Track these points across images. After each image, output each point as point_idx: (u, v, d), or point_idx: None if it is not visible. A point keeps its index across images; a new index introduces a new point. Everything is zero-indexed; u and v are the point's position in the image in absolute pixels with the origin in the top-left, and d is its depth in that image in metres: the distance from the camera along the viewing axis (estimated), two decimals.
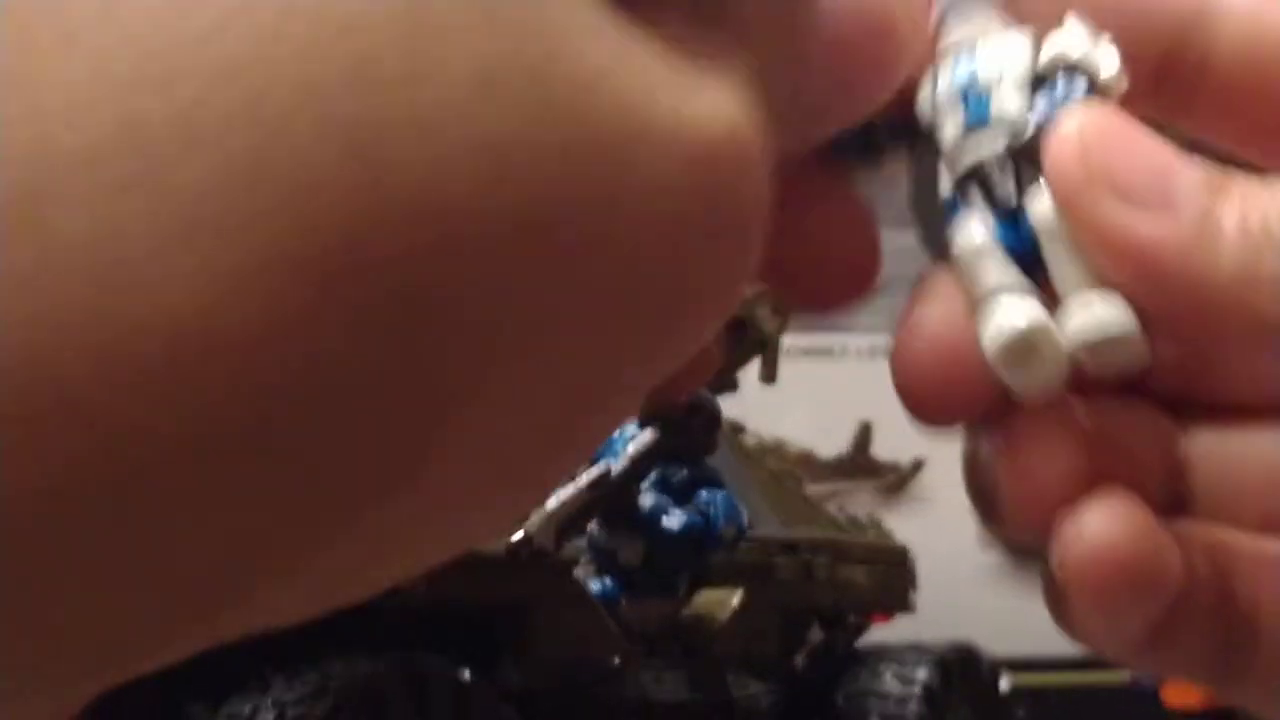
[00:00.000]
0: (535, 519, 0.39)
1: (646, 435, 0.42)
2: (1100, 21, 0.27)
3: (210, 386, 0.16)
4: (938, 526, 0.79)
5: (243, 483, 0.16)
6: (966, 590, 0.67)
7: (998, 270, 0.27)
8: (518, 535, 0.39)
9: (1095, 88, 0.29)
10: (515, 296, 0.18)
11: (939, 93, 0.29)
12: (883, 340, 0.84)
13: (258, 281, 0.16)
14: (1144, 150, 0.26)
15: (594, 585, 0.42)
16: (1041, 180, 0.28)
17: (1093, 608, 0.27)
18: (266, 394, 0.16)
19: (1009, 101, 0.28)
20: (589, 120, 0.19)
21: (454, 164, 0.17)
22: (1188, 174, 0.25)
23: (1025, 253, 0.28)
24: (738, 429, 0.57)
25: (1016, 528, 0.29)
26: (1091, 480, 0.27)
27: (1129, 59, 0.28)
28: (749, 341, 0.55)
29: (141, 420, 0.16)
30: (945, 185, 0.30)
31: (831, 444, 0.77)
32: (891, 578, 0.49)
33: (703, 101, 0.21)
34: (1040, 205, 0.27)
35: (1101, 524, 0.27)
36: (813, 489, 0.57)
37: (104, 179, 0.16)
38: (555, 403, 0.21)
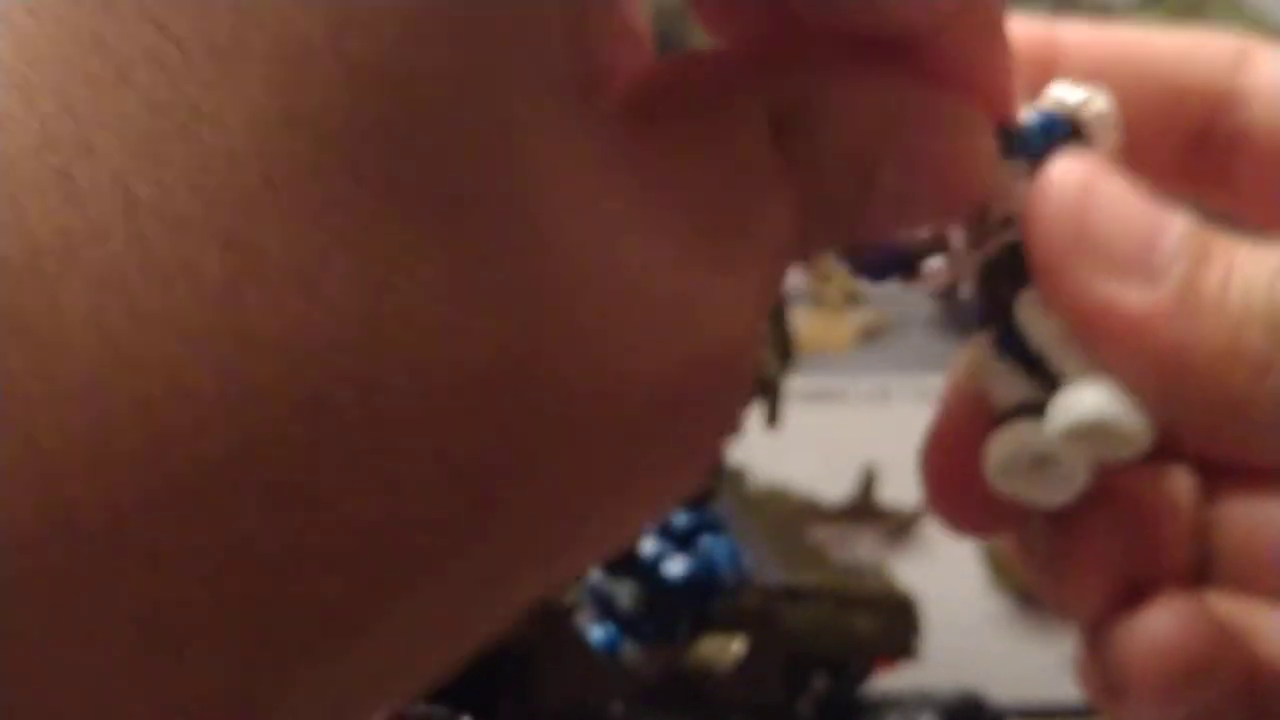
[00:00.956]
0: None
1: None
2: (1128, 100, 0.29)
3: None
4: (942, 571, 0.79)
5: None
6: (972, 636, 0.66)
7: (1000, 387, 0.28)
8: None
9: (1082, 134, 0.29)
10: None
11: None
12: (887, 384, 0.84)
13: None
14: (1125, 211, 0.27)
15: (595, 632, 0.41)
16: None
17: (1154, 704, 0.28)
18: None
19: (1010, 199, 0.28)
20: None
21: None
22: (1171, 236, 0.27)
23: (1028, 353, 0.28)
24: (740, 474, 0.56)
25: (1070, 615, 0.29)
26: (1131, 564, 0.28)
27: (1161, 138, 0.29)
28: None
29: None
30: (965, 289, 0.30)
31: (835, 489, 0.76)
32: (896, 624, 0.49)
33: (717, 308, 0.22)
34: (1025, 303, 0.27)
35: (1167, 628, 0.28)
36: (816, 534, 0.57)
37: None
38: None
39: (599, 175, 0.21)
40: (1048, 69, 0.29)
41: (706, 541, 0.41)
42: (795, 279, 0.86)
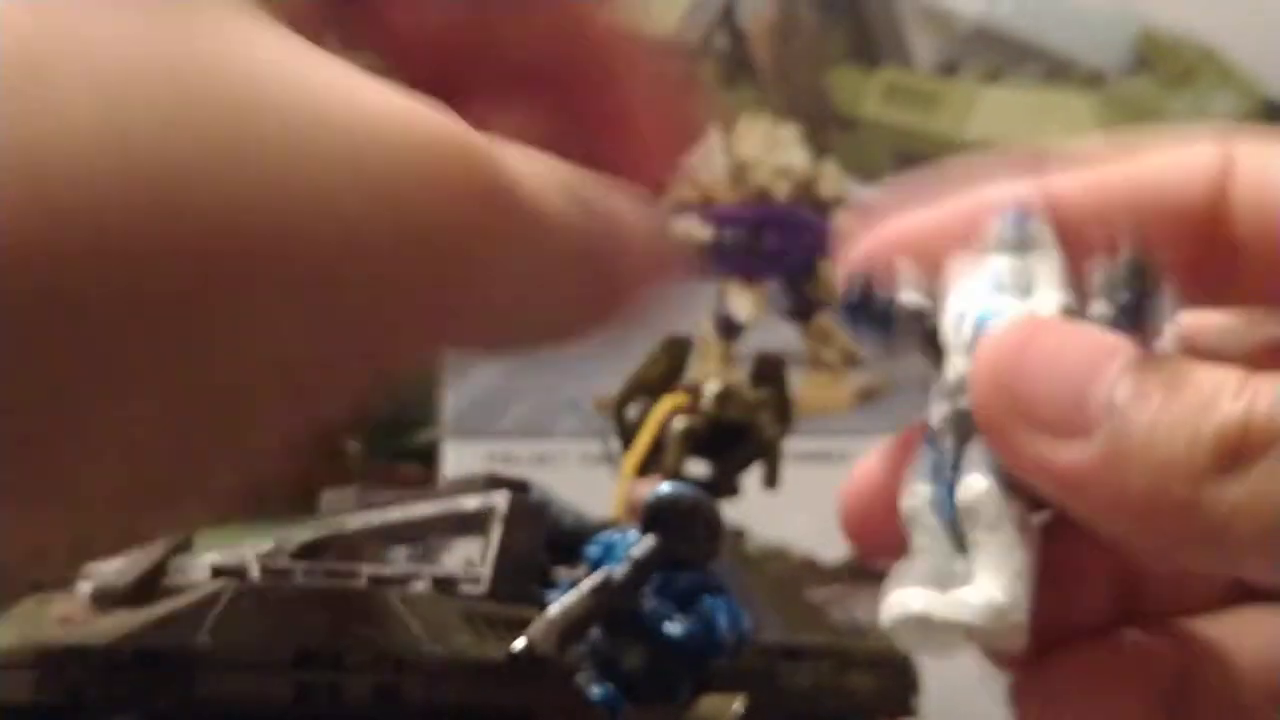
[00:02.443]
0: (538, 626, 0.38)
1: (649, 542, 0.41)
2: (1089, 218, 0.30)
3: None
4: None
5: None
6: (968, 695, 0.65)
7: (920, 538, 0.30)
8: (520, 642, 0.38)
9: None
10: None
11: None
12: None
13: None
14: (1057, 371, 0.29)
15: (596, 692, 0.41)
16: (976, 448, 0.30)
17: None
18: None
19: (960, 364, 0.30)
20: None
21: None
22: (1103, 388, 0.28)
23: (955, 522, 0.29)
24: (740, 534, 0.56)
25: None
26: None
27: (1169, 256, 0.30)
28: (751, 447, 0.54)
29: None
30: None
31: (834, 549, 0.76)
32: (895, 683, 0.48)
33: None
34: (964, 484, 0.29)
35: None
36: (816, 594, 0.57)
37: None
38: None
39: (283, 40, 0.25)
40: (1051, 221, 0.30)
41: (707, 602, 0.40)
42: (795, 341, 0.86)
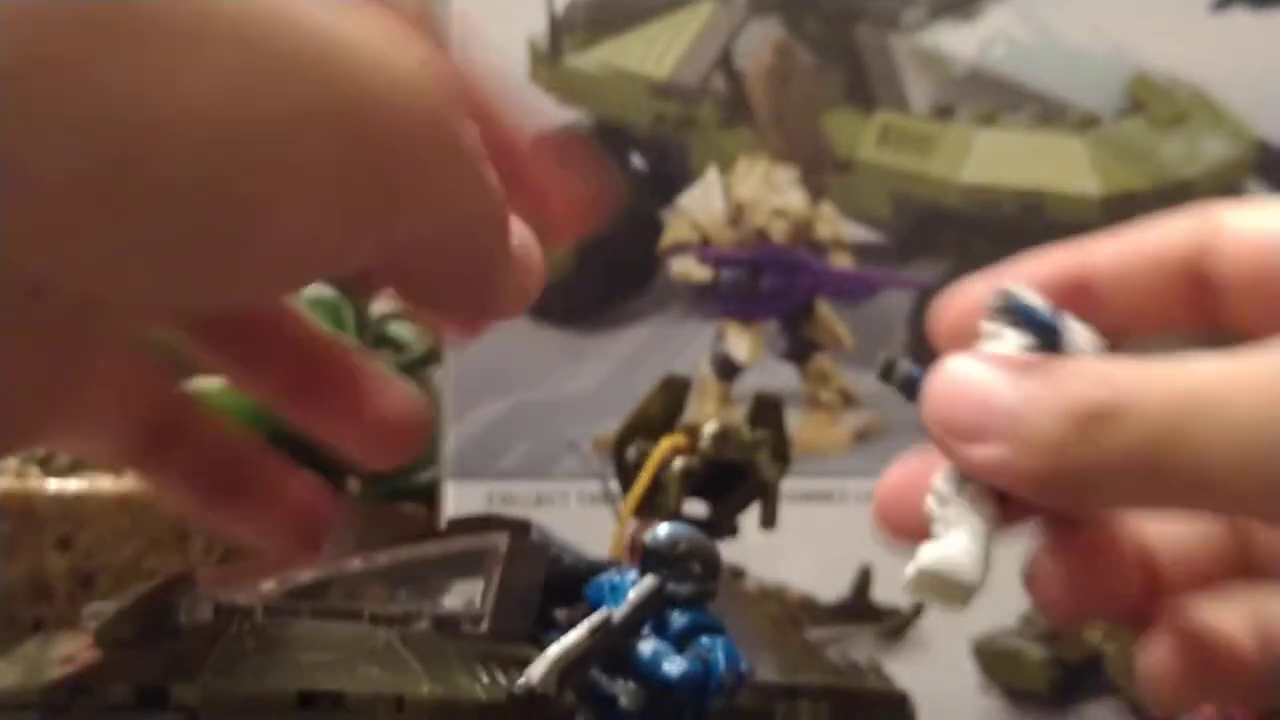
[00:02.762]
0: (538, 665, 0.38)
1: (648, 582, 0.41)
2: (1115, 279, 0.43)
3: None
4: (938, 671, 0.78)
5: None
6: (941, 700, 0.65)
7: (936, 526, 0.41)
8: (521, 683, 0.38)
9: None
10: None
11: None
12: None
13: None
14: (966, 395, 0.40)
15: None
16: None
17: None
18: None
19: None
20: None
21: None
22: (999, 401, 0.39)
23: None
24: (738, 573, 0.56)
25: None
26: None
27: (1177, 300, 0.43)
28: (749, 487, 0.54)
29: None
30: None
31: (832, 588, 0.76)
32: None
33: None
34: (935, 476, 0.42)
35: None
36: (813, 633, 0.57)
37: None
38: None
39: None
40: (1085, 286, 0.42)
41: (705, 642, 0.41)
42: (793, 382, 0.86)
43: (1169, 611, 0.43)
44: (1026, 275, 0.43)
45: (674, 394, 0.53)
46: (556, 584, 0.45)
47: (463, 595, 0.41)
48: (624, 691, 0.41)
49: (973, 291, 0.43)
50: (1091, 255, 0.42)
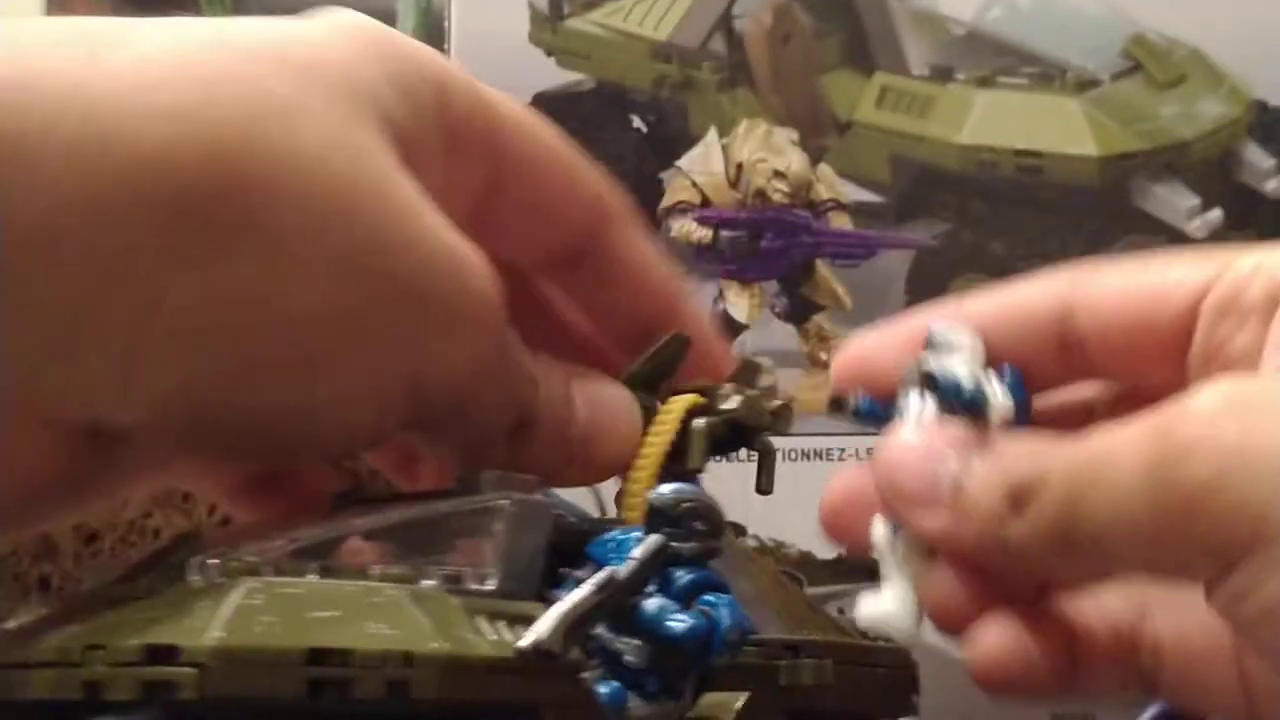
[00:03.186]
0: (544, 622, 0.38)
1: (652, 540, 0.41)
2: (995, 332, 0.47)
3: None
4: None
5: None
6: (967, 692, 0.65)
7: (881, 565, 0.46)
8: (527, 639, 0.38)
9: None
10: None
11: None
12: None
13: None
14: (917, 467, 0.44)
15: (601, 689, 0.41)
16: None
17: None
18: None
19: None
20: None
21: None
22: (947, 470, 0.44)
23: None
24: (739, 531, 0.56)
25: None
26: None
27: (1033, 355, 0.47)
28: (750, 449, 0.54)
29: None
30: None
31: (830, 545, 0.76)
32: (894, 681, 0.48)
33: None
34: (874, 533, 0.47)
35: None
36: (813, 591, 0.56)
37: None
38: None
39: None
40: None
41: (709, 599, 0.41)
42: (792, 342, 0.86)
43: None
44: (908, 335, 0.47)
45: (671, 350, 0.53)
46: (562, 543, 0.45)
47: (470, 553, 0.41)
48: (630, 648, 0.41)
49: (870, 344, 0.49)
50: (968, 313, 0.47)
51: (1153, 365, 0.45)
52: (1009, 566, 0.42)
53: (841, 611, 0.55)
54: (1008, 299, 0.47)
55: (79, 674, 0.34)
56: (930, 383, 0.44)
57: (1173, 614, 0.46)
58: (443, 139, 0.46)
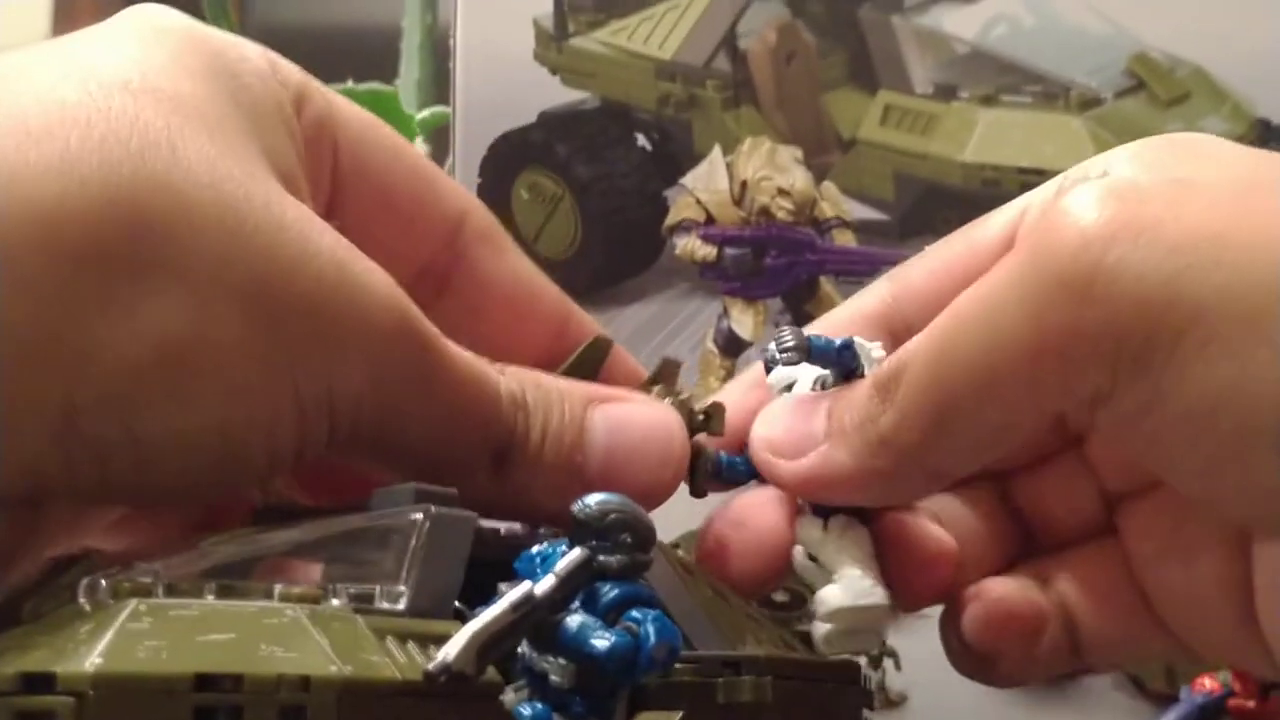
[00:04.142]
0: (455, 642, 0.35)
1: (575, 554, 0.39)
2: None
3: None
4: (933, 638, 0.76)
5: None
6: (940, 690, 0.63)
7: (819, 559, 0.46)
8: (436, 661, 0.35)
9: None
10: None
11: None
12: None
13: None
14: (789, 419, 0.46)
15: (524, 710, 0.38)
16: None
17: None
18: None
19: None
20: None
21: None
22: (812, 428, 0.45)
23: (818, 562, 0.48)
24: (675, 544, 0.53)
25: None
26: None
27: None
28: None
29: None
30: None
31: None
32: (843, 695, 0.45)
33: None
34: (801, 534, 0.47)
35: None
36: (755, 604, 0.54)
37: None
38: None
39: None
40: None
41: (635, 615, 0.38)
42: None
43: (969, 590, 0.48)
44: (753, 381, 0.50)
45: (592, 354, 0.51)
46: (501, 559, 0.42)
47: (383, 570, 0.38)
48: (554, 668, 0.39)
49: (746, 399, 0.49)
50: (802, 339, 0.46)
51: None
52: (888, 488, 0.44)
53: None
54: (838, 315, 0.50)
55: None
56: (802, 353, 0.45)
57: (1073, 571, 0.48)
58: (303, 149, 0.45)
